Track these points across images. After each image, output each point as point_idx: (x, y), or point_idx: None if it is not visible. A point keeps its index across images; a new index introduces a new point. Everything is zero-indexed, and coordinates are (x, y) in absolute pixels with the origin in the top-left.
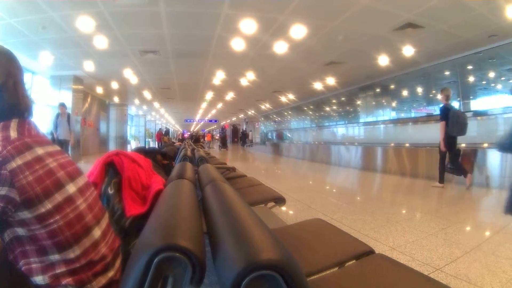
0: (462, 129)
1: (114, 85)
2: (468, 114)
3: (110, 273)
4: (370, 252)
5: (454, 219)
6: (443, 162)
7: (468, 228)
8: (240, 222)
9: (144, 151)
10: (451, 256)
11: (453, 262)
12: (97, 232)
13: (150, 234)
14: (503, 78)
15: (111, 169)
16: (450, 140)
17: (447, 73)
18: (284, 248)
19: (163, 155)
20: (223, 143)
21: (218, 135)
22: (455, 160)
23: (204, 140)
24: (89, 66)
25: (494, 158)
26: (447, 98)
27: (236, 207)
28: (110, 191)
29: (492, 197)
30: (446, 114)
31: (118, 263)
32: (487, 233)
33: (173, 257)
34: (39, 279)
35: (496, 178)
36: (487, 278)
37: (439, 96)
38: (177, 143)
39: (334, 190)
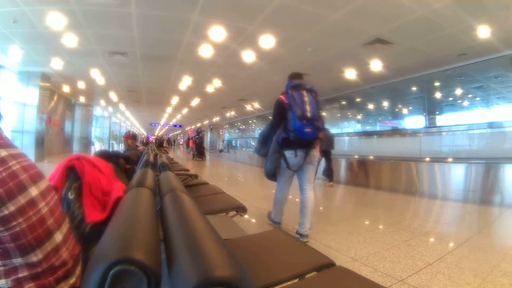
0: (330, 145)
1: (81, 84)
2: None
3: (72, 280)
4: (331, 264)
5: (418, 231)
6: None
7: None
8: (195, 236)
9: (107, 155)
10: (414, 267)
11: (416, 273)
12: (58, 237)
13: (106, 245)
14: (470, 96)
15: (72, 173)
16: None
17: (414, 88)
18: (239, 264)
19: (126, 159)
20: (200, 151)
21: (183, 140)
22: (328, 166)
23: (173, 144)
24: (57, 63)
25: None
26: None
27: (193, 220)
28: (71, 196)
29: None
30: None
31: (78, 270)
32: (451, 245)
33: (129, 270)
34: (2, 282)
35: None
36: None
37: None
38: (140, 147)
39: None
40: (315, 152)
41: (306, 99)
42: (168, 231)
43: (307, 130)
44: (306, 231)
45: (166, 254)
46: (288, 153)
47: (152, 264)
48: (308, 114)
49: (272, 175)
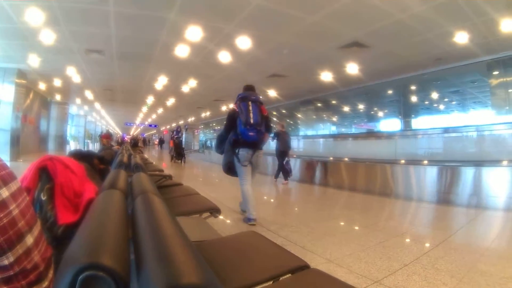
0: (287, 146)
1: (57, 82)
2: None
3: (44, 284)
4: (305, 266)
5: (393, 232)
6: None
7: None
8: (164, 240)
9: (80, 155)
10: (390, 268)
11: (391, 274)
12: (29, 239)
13: (75, 249)
14: (446, 100)
15: (45, 174)
16: (279, 152)
17: (390, 91)
18: (207, 269)
19: (100, 159)
20: (178, 152)
21: (158, 139)
22: (282, 165)
23: (148, 144)
24: (34, 60)
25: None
26: (282, 126)
27: (162, 224)
28: (43, 197)
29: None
30: (277, 136)
31: (51, 273)
32: (427, 246)
33: (97, 275)
34: None
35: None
36: None
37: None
38: (115, 147)
39: (272, 201)
40: (261, 152)
41: (250, 108)
42: (138, 235)
43: (251, 133)
44: (253, 214)
45: (135, 258)
46: (240, 150)
47: (120, 270)
48: (251, 121)
49: (228, 169)
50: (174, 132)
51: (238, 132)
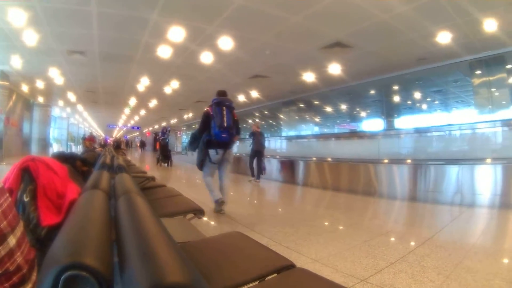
0: (261, 146)
1: (40, 84)
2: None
3: (28, 286)
4: (291, 266)
5: (378, 231)
6: (252, 164)
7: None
8: (148, 240)
9: (63, 157)
10: (376, 267)
11: (378, 273)
12: (12, 241)
13: (58, 249)
14: (429, 99)
15: (27, 175)
16: (254, 152)
17: (372, 91)
18: (192, 268)
19: (83, 161)
20: (165, 155)
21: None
22: (258, 165)
23: (130, 146)
24: (16, 61)
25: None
26: (257, 127)
27: (146, 223)
28: (26, 198)
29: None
30: (252, 135)
31: (34, 275)
32: (412, 244)
33: (80, 275)
34: None
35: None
36: (414, 287)
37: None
38: (98, 149)
39: (255, 202)
40: (231, 152)
41: (224, 112)
42: (121, 234)
43: (223, 135)
44: (217, 196)
45: (119, 258)
46: (211, 151)
47: (103, 269)
48: (225, 124)
49: (201, 166)
50: (160, 134)
51: (212, 134)
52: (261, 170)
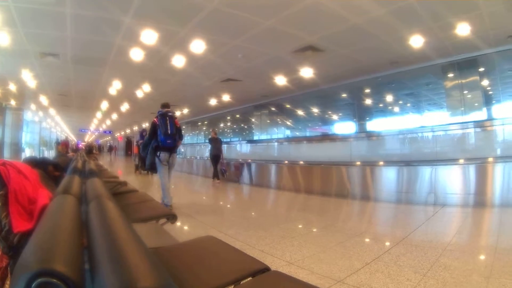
0: (217, 150)
1: (12, 86)
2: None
3: None
4: (266, 269)
5: (352, 232)
6: (216, 167)
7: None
8: (118, 245)
9: (35, 161)
10: (352, 268)
11: (354, 273)
12: None
13: (28, 256)
14: (400, 102)
15: None
16: (212, 156)
17: (344, 95)
18: (164, 273)
19: (54, 166)
20: (151, 166)
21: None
22: (216, 168)
23: (102, 151)
24: None
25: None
26: (215, 133)
27: (117, 229)
28: None
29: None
30: (210, 141)
31: (7, 284)
32: (387, 244)
33: (50, 282)
34: None
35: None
36: (391, 286)
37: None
38: (70, 154)
39: (228, 206)
40: (175, 155)
41: (167, 122)
42: (92, 240)
43: (168, 141)
44: (170, 201)
45: (90, 264)
46: (161, 154)
47: (73, 276)
48: (169, 132)
49: (150, 168)
50: (139, 136)
51: (159, 140)
52: (221, 172)
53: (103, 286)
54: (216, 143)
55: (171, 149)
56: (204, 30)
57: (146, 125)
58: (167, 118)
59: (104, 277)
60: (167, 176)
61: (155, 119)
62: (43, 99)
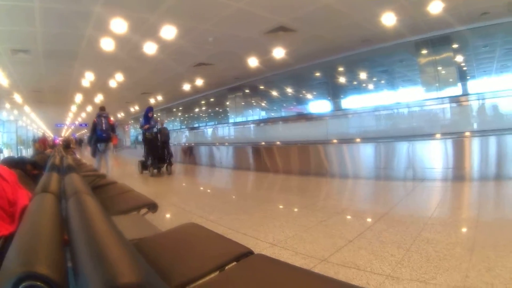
0: (166, 137)
1: None
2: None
3: None
4: (249, 253)
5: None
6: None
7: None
8: (98, 241)
9: (12, 162)
10: (335, 246)
11: (337, 251)
12: None
13: (11, 260)
14: (375, 79)
15: None
16: (161, 143)
17: (317, 74)
18: (146, 267)
19: (33, 164)
20: (157, 156)
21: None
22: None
23: (80, 145)
24: None
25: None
26: (162, 124)
27: (96, 224)
28: None
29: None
30: (159, 131)
31: None
32: (369, 221)
33: (35, 285)
34: None
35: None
36: (375, 263)
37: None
38: (48, 150)
39: (208, 191)
40: (110, 144)
41: (103, 121)
42: (73, 237)
43: (104, 135)
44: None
45: (72, 262)
46: (98, 145)
47: (56, 276)
48: (104, 128)
49: (94, 155)
50: (143, 121)
51: (97, 134)
52: (169, 157)
53: (85, 284)
54: (165, 132)
55: (106, 140)
56: (173, 15)
57: (121, 115)
58: (102, 118)
59: (86, 276)
60: (100, 160)
61: (95, 119)
62: (17, 97)
